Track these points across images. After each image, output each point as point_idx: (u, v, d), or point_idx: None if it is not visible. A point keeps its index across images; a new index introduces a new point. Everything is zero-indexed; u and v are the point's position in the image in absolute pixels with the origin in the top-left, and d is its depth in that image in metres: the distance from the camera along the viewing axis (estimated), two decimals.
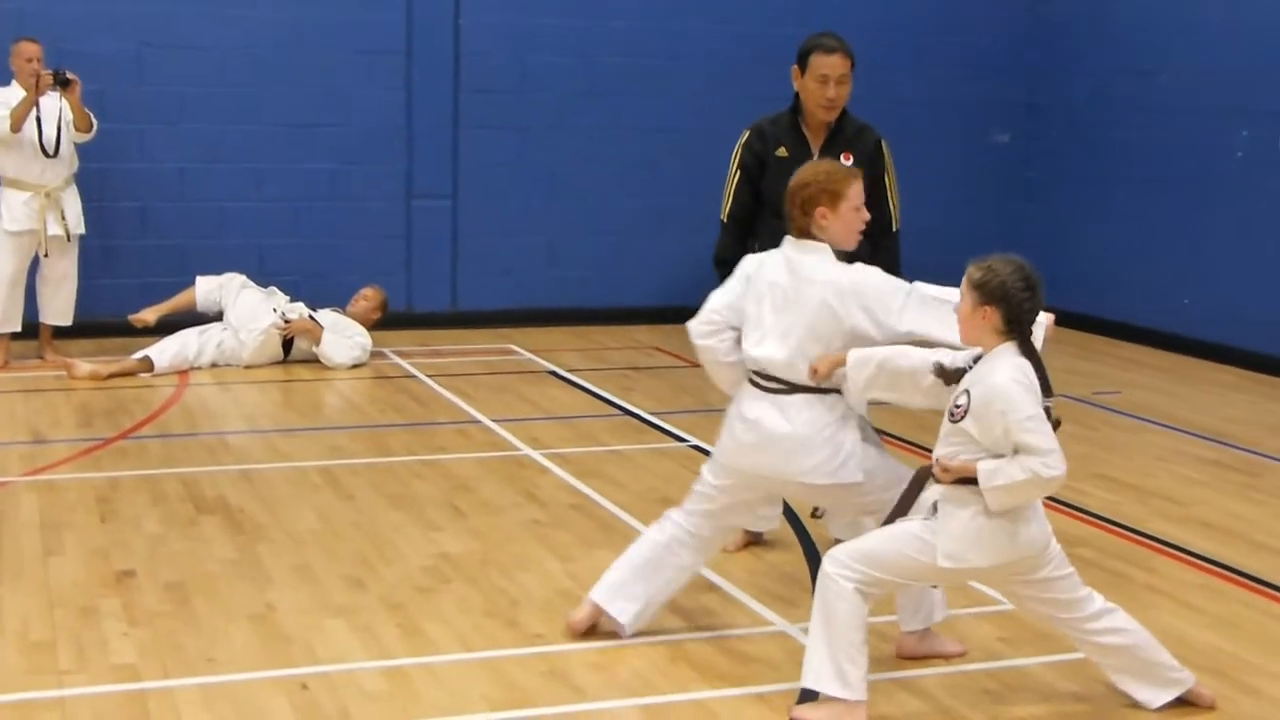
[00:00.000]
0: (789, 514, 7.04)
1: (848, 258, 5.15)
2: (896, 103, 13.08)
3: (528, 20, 12.04)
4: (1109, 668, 4.97)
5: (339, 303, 10.85)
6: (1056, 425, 4.65)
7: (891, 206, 6.26)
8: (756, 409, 5.13)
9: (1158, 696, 4.93)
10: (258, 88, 11.43)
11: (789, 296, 5.06)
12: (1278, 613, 5.94)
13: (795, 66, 6.24)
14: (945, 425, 4.75)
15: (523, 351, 10.86)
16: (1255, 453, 8.62)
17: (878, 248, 5.98)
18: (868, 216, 5.13)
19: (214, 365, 10.20)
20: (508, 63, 12.01)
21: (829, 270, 5.03)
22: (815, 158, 5.97)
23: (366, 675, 5.06)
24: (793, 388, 5.05)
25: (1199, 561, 6.56)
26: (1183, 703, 4.94)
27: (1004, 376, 4.61)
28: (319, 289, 11.10)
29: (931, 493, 4.75)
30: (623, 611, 5.35)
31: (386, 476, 7.58)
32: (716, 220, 6.39)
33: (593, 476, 7.66)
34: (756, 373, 5.15)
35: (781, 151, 6.18)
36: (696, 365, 10.61)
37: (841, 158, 5.96)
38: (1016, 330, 4.68)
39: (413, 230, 11.75)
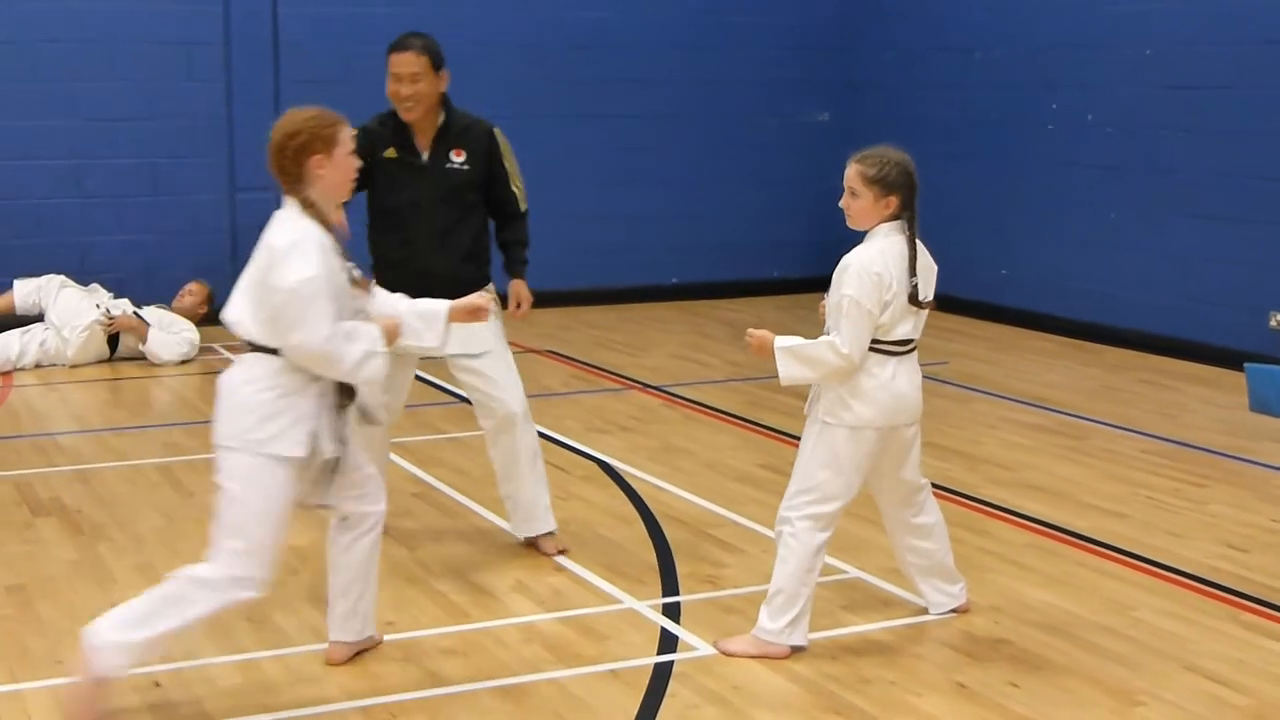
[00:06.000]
0: (633, 495, 7.13)
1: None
2: (718, 83, 13.26)
3: (348, 10, 11.94)
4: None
5: (164, 299, 10.70)
6: (924, 304, 5.04)
7: (516, 191, 6.23)
8: None
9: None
10: (73, 82, 11.18)
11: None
12: (1107, 569, 6.15)
13: None
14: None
15: None
16: (1077, 416, 8.89)
17: (507, 229, 6.26)
18: (359, 163, 4.78)
19: (38, 365, 10.00)
20: (329, 52, 11.90)
21: (274, 228, 4.60)
22: (424, 158, 6.03)
23: (219, 669, 5.03)
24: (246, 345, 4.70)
25: (1029, 523, 6.77)
26: None
27: (858, 257, 4.96)
28: (143, 286, 10.91)
29: None
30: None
31: None
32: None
33: (434, 464, 7.66)
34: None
35: (390, 153, 6.05)
36: (530, 350, 10.72)
37: (453, 154, 6.04)
38: (909, 210, 5.00)
39: (237, 223, 11.56)
